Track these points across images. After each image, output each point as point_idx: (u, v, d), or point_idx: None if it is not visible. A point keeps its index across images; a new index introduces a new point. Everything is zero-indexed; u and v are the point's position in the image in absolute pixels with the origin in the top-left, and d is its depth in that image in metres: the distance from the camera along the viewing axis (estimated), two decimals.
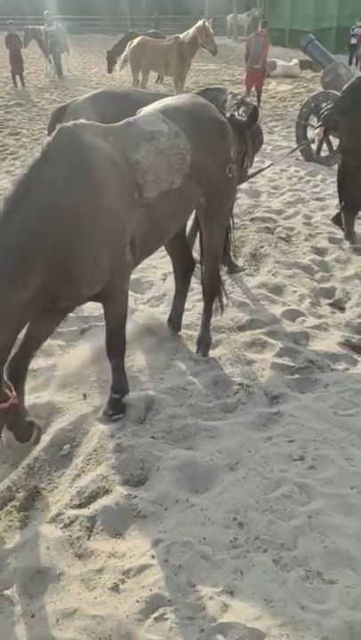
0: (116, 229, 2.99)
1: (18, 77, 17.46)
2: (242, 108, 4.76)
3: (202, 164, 3.47)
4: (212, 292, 4.21)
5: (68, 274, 2.78)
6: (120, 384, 3.50)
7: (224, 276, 5.46)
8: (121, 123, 3.29)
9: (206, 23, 13.48)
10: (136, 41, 14.28)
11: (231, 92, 5.32)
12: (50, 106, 14.09)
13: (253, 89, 13.66)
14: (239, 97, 5.22)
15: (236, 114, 4.64)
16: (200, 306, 4.73)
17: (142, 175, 3.11)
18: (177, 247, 4.30)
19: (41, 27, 20.03)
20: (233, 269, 5.44)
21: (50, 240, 2.64)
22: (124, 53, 14.78)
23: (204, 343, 4.19)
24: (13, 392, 2.84)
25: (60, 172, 2.69)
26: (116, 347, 3.41)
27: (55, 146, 2.74)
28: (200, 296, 4.72)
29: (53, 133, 2.81)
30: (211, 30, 13.57)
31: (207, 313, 4.25)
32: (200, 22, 13.55)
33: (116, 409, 3.48)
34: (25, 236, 2.55)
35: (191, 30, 13.66)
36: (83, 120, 3.05)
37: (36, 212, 2.59)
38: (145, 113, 3.50)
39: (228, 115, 4.58)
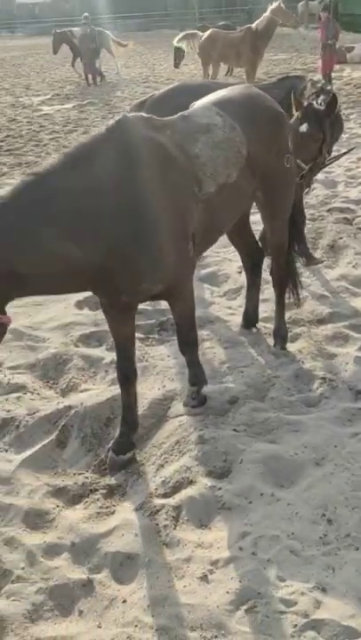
0: (178, 224, 2.94)
1: (90, 76, 17.84)
2: (321, 97, 4.64)
3: (257, 157, 3.39)
4: (282, 285, 4.14)
5: (129, 265, 2.71)
6: (197, 377, 3.51)
7: (301, 269, 5.37)
8: (176, 116, 3.24)
9: (281, 4, 13.32)
10: (206, 34, 14.24)
11: (311, 80, 5.19)
12: (122, 103, 14.32)
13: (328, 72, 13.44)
14: (319, 85, 5.08)
15: (314, 102, 4.53)
16: None
17: (201, 169, 3.07)
18: (243, 240, 4.26)
19: (73, 29, 19.78)
20: (310, 261, 5.33)
21: (103, 217, 2.56)
22: (193, 44, 14.73)
23: (281, 336, 4.13)
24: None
25: (121, 158, 2.65)
26: (187, 342, 3.40)
27: (117, 133, 2.70)
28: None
29: (113, 122, 2.77)
30: (284, 7, 13.41)
31: (280, 305, 4.18)
32: (274, 4, 13.37)
33: (196, 400, 3.50)
34: (80, 198, 2.50)
35: (264, 17, 13.47)
36: (142, 113, 3.05)
37: (97, 181, 2.55)
38: (198, 106, 3.45)
39: (305, 103, 4.49)
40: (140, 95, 15.15)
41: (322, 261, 5.37)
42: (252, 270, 4.35)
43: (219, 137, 3.19)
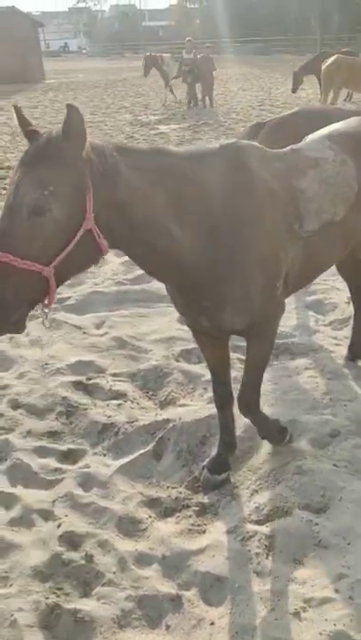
0: (273, 259, 2.80)
1: (207, 98, 18.28)
2: None
3: None
4: None
5: (216, 286, 2.62)
6: (266, 430, 3.30)
7: None
8: (286, 149, 3.16)
9: None
10: (331, 59, 14.15)
11: None
12: (236, 125, 14.52)
13: None
14: None
15: None
16: None
17: (305, 205, 2.94)
18: (352, 270, 4.10)
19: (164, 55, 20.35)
20: None
21: (204, 219, 2.51)
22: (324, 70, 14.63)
23: None
24: None
25: (225, 178, 2.60)
26: (249, 399, 3.11)
27: (221, 157, 2.66)
28: None
29: (226, 142, 2.75)
30: None
31: None
32: None
33: (277, 440, 3.34)
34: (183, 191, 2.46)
35: None
36: (253, 142, 2.99)
37: (207, 183, 2.53)
38: (311, 139, 3.35)
39: None
40: (255, 118, 15.31)
41: None
42: (359, 300, 4.21)
43: (328, 172, 3.08)
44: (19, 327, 2.17)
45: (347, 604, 2.36)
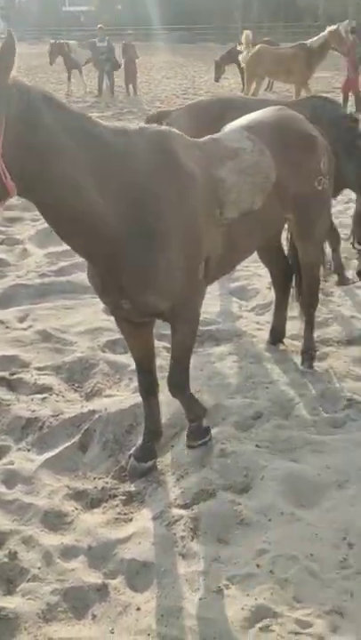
0: (194, 241, 2.85)
1: (131, 86, 18.11)
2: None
3: (287, 181, 3.34)
4: (312, 304, 4.11)
5: (136, 267, 2.64)
6: (193, 411, 3.31)
7: (332, 288, 5.35)
8: (205, 139, 3.22)
9: (340, 27, 13.30)
10: (255, 49, 14.30)
11: (344, 111, 4.89)
12: None
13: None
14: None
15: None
16: None
17: (225, 194, 3.01)
18: (273, 257, 4.23)
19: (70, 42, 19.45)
20: (343, 281, 5.30)
21: (128, 192, 2.53)
22: (243, 58, 14.76)
23: (309, 355, 4.10)
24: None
25: (147, 157, 2.62)
26: (178, 379, 3.16)
27: (144, 138, 2.67)
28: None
29: (139, 127, 2.76)
30: (342, 35, 13.34)
31: (309, 325, 4.14)
32: (333, 27, 13.40)
33: (199, 435, 3.32)
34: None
35: (321, 36, 13.47)
36: (175, 130, 3.00)
37: (133, 158, 2.55)
38: (229, 129, 3.42)
39: None
40: (179, 106, 15.33)
41: (354, 282, 5.33)
42: (282, 287, 4.33)
43: (246, 162, 3.13)
44: None
45: (267, 578, 2.45)
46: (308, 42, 13.74)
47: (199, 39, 36.28)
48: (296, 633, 2.21)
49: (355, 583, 2.40)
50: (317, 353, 4.22)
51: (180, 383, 3.18)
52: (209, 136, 3.29)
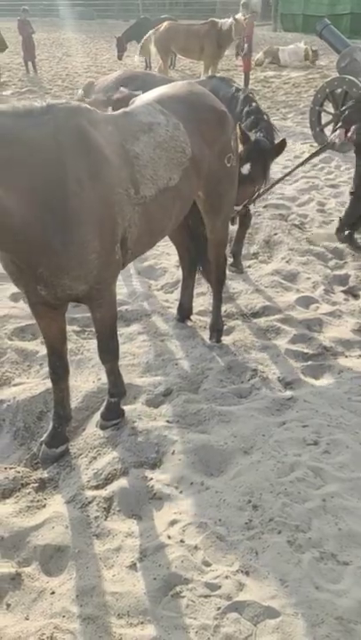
0: (109, 222, 2.78)
1: (30, 64, 17.40)
2: (263, 125, 4.36)
3: (201, 156, 3.31)
4: (220, 280, 4.20)
5: (51, 254, 2.54)
6: (116, 387, 3.37)
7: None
8: (118, 112, 3.13)
9: (240, 18, 13.24)
10: (164, 26, 14.05)
11: (235, 87, 4.78)
12: (62, 92, 14.07)
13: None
14: (254, 104, 4.59)
15: (261, 139, 4.23)
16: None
17: (140, 171, 2.91)
18: (180, 235, 4.24)
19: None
20: (237, 265, 5.28)
21: (35, 181, 2.39)
22: (147, 38, 14.44)
23: (217, 330, 4.21)
24: None
25: (54, 139, 2.47)
26: (107, 350, 3.23)
27: (51, 116, 2.50)
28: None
29: (47, 104, 2.56)
30: (243, 25, 13.35)
31: (217, 301, 4.24)
32: (238, 15, 13.38)
33: (114, 413, 3.37)
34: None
35: (229, 22, 13.38)
36: (85, 105, 2.86)
37: (35, 145, 2.39)
38: (141, 103, 3.30)
39: (253, 138, 4.22)
40: (82, 85, 14.95)
41: (242, 272, 5.31)
42: (189, 265, 4.39)
43: (162, 136, 3.05)
44: None
45: (178, 547, 2.53)
46: (220, 21, 13.61)
47: (99, 15, 35.38)
48: (206, 596, 2.31)
49: (259, 542, 2.53)
50: (224, 327, 4.35)
51: (110, 349, 3.24)
52: (122, 110, 3.18)
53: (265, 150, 4.19)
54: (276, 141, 4.40)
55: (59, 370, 3.22)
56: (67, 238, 2.56)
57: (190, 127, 3.25)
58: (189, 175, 3.25)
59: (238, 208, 4.31)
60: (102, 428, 3.36)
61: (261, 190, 4.63)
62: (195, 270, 4.42)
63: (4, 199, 2.30)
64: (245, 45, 13.48)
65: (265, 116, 4.52)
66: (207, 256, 4.24)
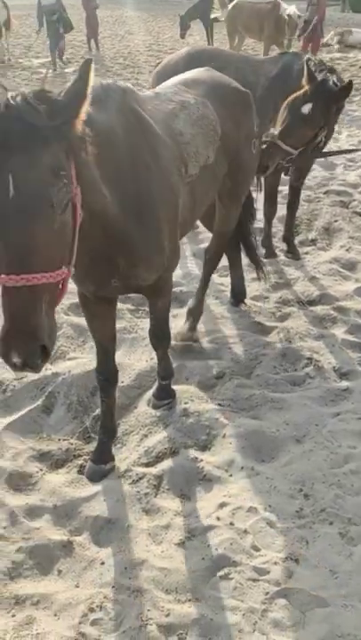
0: (174, 205, 2.67)
1: (93, 41, 17.45)
2: (335, 76, 4.06)
3: (229, 137, 3.21)
4: (213, 265, 4.08)
5: (129, 242, 2.41)
6: (167, 371, 3.39)
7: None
8: (149, 92, 3.05)
9: (293, 14, 12.77)
10: (232, 3, 13.82)
11: (309, 58, 4.79)
12: (124, 70, 14.08)
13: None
14: (328, 65, 4.64)
15: (330, 80, 3.95)
16: (270, 277, 4.72)
17: (186, 149, 2.83)
18: (210, 217, 3.92)
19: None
20: (270, 254, 5.20)
21: (115, 171, 2.22)
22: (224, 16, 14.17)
23: (194, 314, 4.00)
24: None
25: (116, 121, 2.30)
26: (162, 336, 3.22)
27: (108, 98, 2.34)
28: (268, 268, 4.69)
29: (107, 84, 2.40)
30: (296, 22, 12.89)
31: (205, 283, 4.09)
32: (288, 11, 12.93)
33: (166, 393, 3.39)
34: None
35: (289, 9, 12.97)
36: (129, 85, 2.69)
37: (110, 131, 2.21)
38: (166, 85, 3.21)
39: (320, 77, 3.94)
40: (143, 64, 14.89)
41: (299, 258, 5.17)
42: (231, 248, 4.28)
43: (195, 114, 2.97)
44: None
45: (227, 530, 2.54)
46: (282, 5, 13.16)
47: None
48: (254, 580, 2.31)
49: (309, 532, 2.51)
50: (279, 313, 4.30)
51: (164, 335, 3.23)
52: (150, 90, 3.12)
53: (330, 91, 3.92)
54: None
55: (110, 376, 3.03)
56: (144, 225, 2.45)
57: (216, 106, 3.16)
58: (221, 154, 3.17)
59: (294, 153, 3.95)
60: (155, 407, 3.38)
61: (319, 147, 4.24)
62: (239, 251, 4.35)
63: (104, 192, 2.16)
64: (316, 26, 13.02)
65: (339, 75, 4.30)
66: (250, 239, 4.20)
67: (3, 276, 1.65)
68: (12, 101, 1.68)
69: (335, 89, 3.94)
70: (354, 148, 6.05)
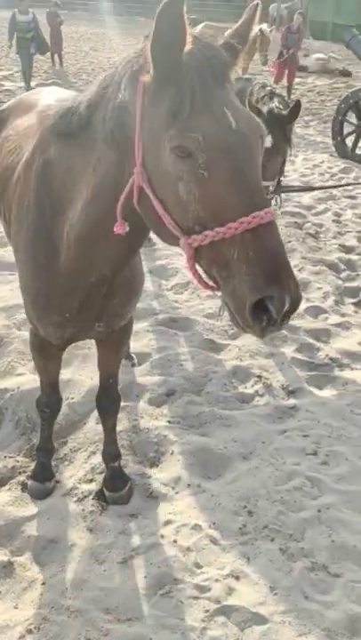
0: None
1: (57, 56, 17.48)
2: (276, 100, 4.26)
3: None
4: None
5: (127, 279, 2.18)
6: (116, 447, 2.94)
7: None
8: None
9: (265, 30, 13.14)
10: (197, 29, 14.04)
11: (258, 82, 4.89)
12: (86, 86, 14.10)
13: (284, 81, 13.61)
14: (268, 88, 4.59)
15: (274, 107, 4.15)
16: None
17: None
18: None
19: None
20: None
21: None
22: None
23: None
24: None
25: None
26: (117, 398, 2.84)
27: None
28: None
29: None
30: (269, 38, 13.28)
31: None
32: (259, 27, 13.30)
33: (122, 481, 2.88)
34: None
35: (255, 30, 13.29)
36: None
37: None
38: None
39: (265, 109, 4.10)
40: None
41: None
42: None
43: None
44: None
45: (170, 548, 2.54)
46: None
47: (128, 12, 35.47)
48: (195, 597, 2.32)
49: (252, 548, 2.54)
50: (232, 331, 4.35)
51: (117, 395, 2.85)
52: None
53: (281, 117, 4.05)
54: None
55: (55, 405, 2.88)
56: (134, 262, 2.19)
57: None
58: None
59: (272, 183, 4.11)
60: (113, 501, 2.82)
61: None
62: None
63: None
64: (294, 54, 13.37)
65: (281, 96, 4.44)
66: None
67: (258, 213, 1.42)
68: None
69: (284, 113, 4.07)
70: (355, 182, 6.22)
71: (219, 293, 1.55)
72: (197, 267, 1.56)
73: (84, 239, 1.88)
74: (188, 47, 1.47)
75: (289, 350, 4.17)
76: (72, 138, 1.83)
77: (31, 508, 2.80)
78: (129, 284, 2.22)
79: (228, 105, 1.49)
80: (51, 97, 2.83)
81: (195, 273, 1.55)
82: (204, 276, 1.57)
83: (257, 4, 1.76)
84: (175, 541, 2.57)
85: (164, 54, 1.45)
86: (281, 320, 1.44)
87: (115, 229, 1.71)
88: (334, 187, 6.84)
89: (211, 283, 1.56)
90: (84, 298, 2.08)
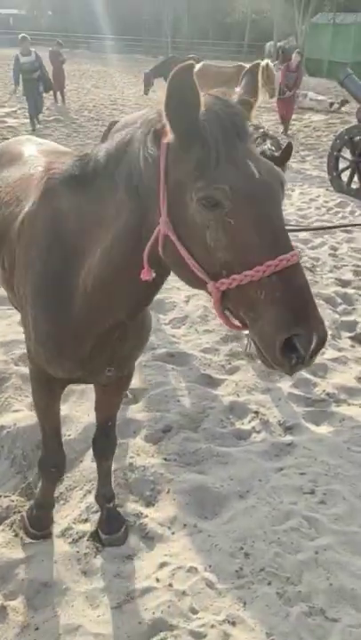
0: None
1: (59, 93, 17.91)
2: (268, 142, 4.35)
3: None
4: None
5: (139, 322, 2.18)
6: (111, 488, 2.91)
7: None
8: None
9: (270, 64, 13.48)
10: (198, 66, 14.43)
11: (251, 125, 5.00)
12: (88, 123, 14.43)
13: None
14: (261, 130, 4.66)
15: (266, 148, 4.22)
16: (222, 329, 4.80)
17: None
18: None
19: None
20: None
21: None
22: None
23: None
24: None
25: None
26: (114, 440, 2.81)
27: None
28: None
29: None
30: (274, 72, 13.63)
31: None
32: (263, 62, 13.62)
33: (118, 523, 2.85)
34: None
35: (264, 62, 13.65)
36: None
37: None
38: None
39: (258, 150, 4.28)
40: (108, 117, 15.31)
41: None
42: None
43: None
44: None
45: (166, 592, 2.50)
46: (246, 66, 13.81)
47: (128, 50, 36.49)
48: None
49: (248, 592, 2.50)
50: (229, 366, 4.36)
51: (114, 438, 2.81)
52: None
53: (273, 159, 3.94)
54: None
55: (62, 463, 2.73)
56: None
57: None
58: None
59: None
60: (110, 543, 2.79)
61: None
62: None
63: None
64: (294, 93, 13.67)
65: (274, 138, 4.53)
66: None
67: (284, 255, 1.48)
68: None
69: (277, 155, 4.16)
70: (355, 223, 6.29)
71: (246, 332, 1.61)
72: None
73: (103, 284, 1.91)
74: (205, 106, 1.58)
75: (286, 385, 4.17)
76: (87, 187, 1.89)
77: (25, 550, 2.76)
78: (141, 327, 2.23)
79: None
80: (33, 148, 2.91)
81: (222, 314, 1.61)
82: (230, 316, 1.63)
83: (267, 63, 1.89)
84: (171, 585, 2.53)
85: (181, 120, 1.55)
86: (309, 357, 1.49)
87: (142, 276, 1.76)
88: (330, 227, 6.89)
89: (237, 322, 1.61)
90: (97, 343, 2.09)
